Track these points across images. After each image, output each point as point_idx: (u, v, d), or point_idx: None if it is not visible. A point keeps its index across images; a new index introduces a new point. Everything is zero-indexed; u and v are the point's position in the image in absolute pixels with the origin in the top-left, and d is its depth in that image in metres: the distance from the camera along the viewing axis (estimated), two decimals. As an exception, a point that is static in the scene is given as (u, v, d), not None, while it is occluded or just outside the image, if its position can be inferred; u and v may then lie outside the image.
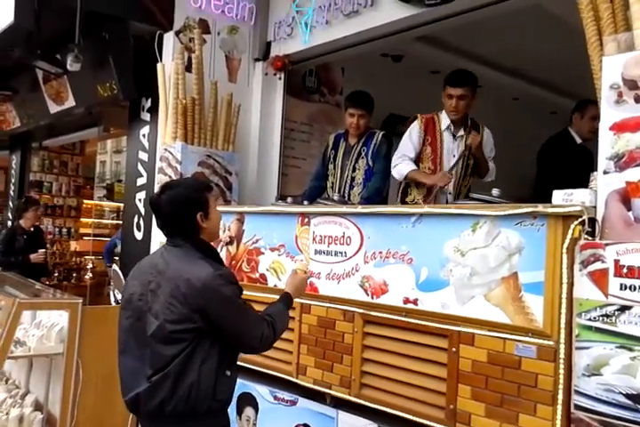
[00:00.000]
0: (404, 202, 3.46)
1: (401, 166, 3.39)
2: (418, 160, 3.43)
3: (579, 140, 3.76)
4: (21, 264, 5.25)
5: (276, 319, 2.08)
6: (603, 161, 1.94)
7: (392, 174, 3.47)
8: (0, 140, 7.63)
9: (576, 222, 1.91)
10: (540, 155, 3.86)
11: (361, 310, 2.53)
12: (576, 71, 3.20)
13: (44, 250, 5.54)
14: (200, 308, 1.90)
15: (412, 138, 3.44)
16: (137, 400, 1.96)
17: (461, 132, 3.42)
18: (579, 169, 3.50)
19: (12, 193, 7.49)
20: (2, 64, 5.28)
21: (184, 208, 2.04)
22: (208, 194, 2.11)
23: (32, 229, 5.74)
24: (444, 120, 3.41)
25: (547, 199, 2.13)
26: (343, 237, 2.64)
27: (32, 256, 5.37)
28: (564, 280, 1.91)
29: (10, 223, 7.26)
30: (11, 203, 7.45)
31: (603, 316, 1.82)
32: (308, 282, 2.75)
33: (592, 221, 1.93)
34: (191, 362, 1.91)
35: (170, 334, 1.91)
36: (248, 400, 2.98)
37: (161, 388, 1.90)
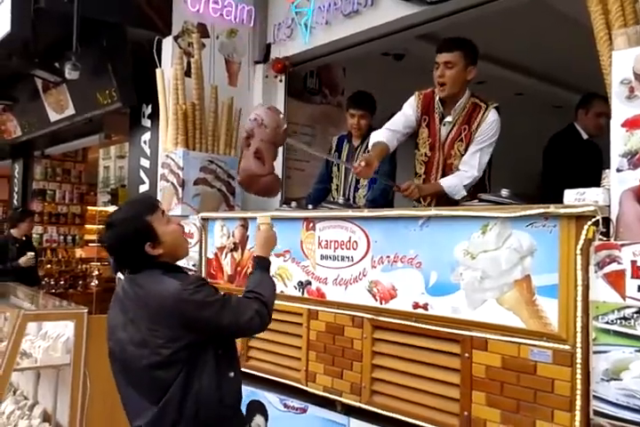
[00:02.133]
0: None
1: (373, 134, 3.00)
2: (417, 143, 3.03)
3: (585, 136, 3.70)
4: (14, 272, 5.31)
5: (259, 291, 2.00)
6: (615, 158, 1.88)
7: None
8: (2, 150, 7.63)
9: (590, 223, 1.85)
10: (545, 151, 3.80)
11: (370, 316, 2.47)
12: (582, 66, 3.15)
13: (32, 253, 5.58)
14: (182, 323, 1.83)
15: (404, 112, 3.02)
16: None
17: (449, 118, 2.91)
18: (586, 165, 3.47)
19: (15, 202, 7.49)
20: (1, 73, 5.26)
21: (127, 245, 1.90)
22: (150, 217, 1.91)
23: (24, 238, 5.87)
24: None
25: (554, 197, 2.07)
26: (349, 241, 2.59)
27: (22, 260, 5.43)
28: (579, 283, 1.85)
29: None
30: (14, 212, 7.45)
31: (620, 319, 1.77)
32: (315, 288, 2.72)
33: (606, 220, 1.87)
34: (191, 378, 1.84)
35: (167, 358, 1.83)
36: (258, 408, 2.93)
37: (167, 412, 1.83)
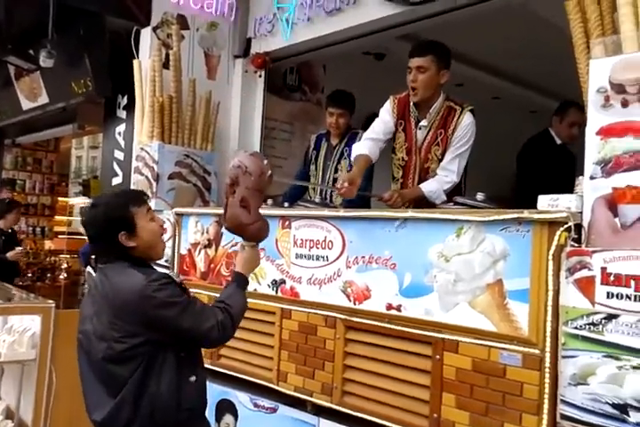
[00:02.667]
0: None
1: (355, 146, 2.97)
2: (393, 147, 3.02)
3: (559, 141, 3.75)
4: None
5: (230, 303, 1.96)
6: (589, 166, 1.91)
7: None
8: (-30, 137, 7.44)
9: (562, 229, 1.87)
10: (519, 156, 3.84)
11: (343, 316, 2.47)
12: (560, 72, 3.19)
13: (21, 248, 5.59)
14: (142, 320, 1.81)
15: (382, 118, 3.00)
16: (102, 424, 1.87)
17: (425, 122, 2.90)
18: (559, 170, 3.53)
19: (-17, 191, 7.31)
20: (-29, 59, 5.11)
21: (104, 229, 1.90)
22: (134, 209, 1.91)
23: (9, 230, 5.79)
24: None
25: (527, 201, 2.09)
26: (325, 241, 2.58)
27: (10, 254, 5.37)
28: (550, 288, 1.88)
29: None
30: (-18, 201, 7.27)
31: (589, 324, 1.79)
32: (289, 287, 2.71)
33: (578, 227, 1.89)
34: (148, 377, 1.82)
35: (121, 354, 1.81)
36: (227, 407, 2.91)
37: (123, 409, 1.82)
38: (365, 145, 2.93)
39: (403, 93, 2.98)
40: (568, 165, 3.66)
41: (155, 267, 2.06)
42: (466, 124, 2.85)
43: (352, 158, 2.96)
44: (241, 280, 2.09)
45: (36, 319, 3.21)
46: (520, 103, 6.16)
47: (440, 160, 2.90)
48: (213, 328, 1.87)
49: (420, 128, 2.92)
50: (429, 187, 2.86)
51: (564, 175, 3.59)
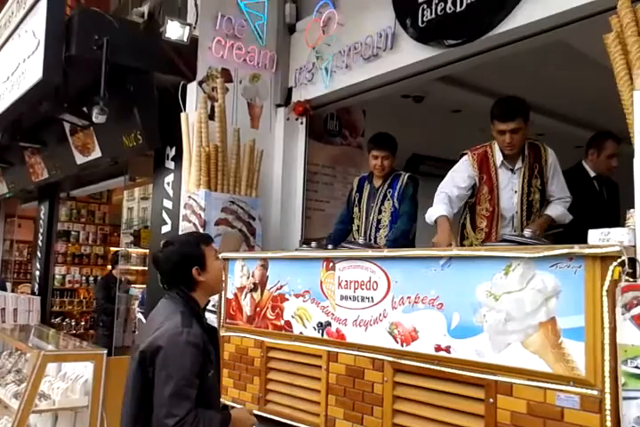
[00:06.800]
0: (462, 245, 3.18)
1: (432, 210, 3.06)
2: (475, 202, 3.12)
3: (592, 174, 3.67)
4: None
5: (206, 421, 1.90)
6: (640, 198, 1.86)
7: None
8: (29, 192, 7.79)
9: (615, 263, 1.81)
10: None
11: (390, 359, 2.42)
12: (603, 106, 3.15)
13: None
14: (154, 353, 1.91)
15: (460, 174, 3.10)
16: None
17: (519, 164, 3.05)
18: (596, 203, 3.50)
19: (39, 243, 7.58)
20: (31, 118, 5.42)
21: (179, 264, 2.09)
22: (205, 247, 2.15)
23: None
24: (498, 154, 3.07)
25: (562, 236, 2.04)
26: (369, 281, 2.56)
27: None
28: (606, 325, 1.80)
29: (37, 273, 7.36)
30: (39, 253, 7.54)
31: (651, 363, 1.70)
32: (335, 329, 2.68)
33: (632, 261, 1.83)
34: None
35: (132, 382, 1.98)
36: (276, 455, 2.85)
37: None
38: (443, 206, 3.04)
39: (479, 148, 3.13)
40: (611, 196, 3.62)
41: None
42: (552, 154, 3.10)
43: (430, 219, 3.06)
44: (228, 420, 2.04)
45: (89, 366, 3.26)
46: (565, 139, 6.09)
47: (541, 190, 3.05)
48: (174, 418, 1.83)
49: (514, 172, 3.06)
50: (556, 212, 3.05)
51: (608, 207, 3.53)
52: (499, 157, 3.06)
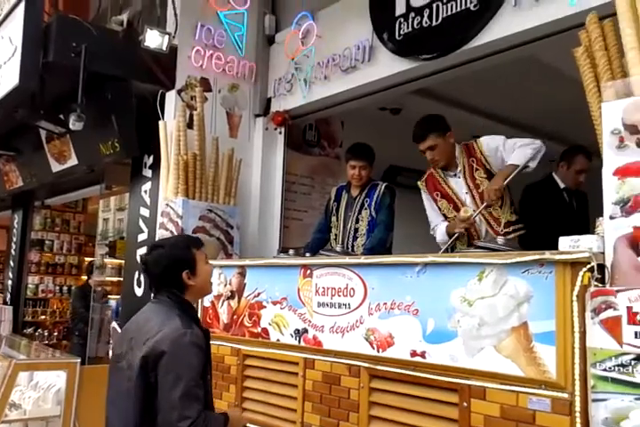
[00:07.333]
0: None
1: (438, 230, 3.29)
2: (443, 215, 3.31)
3: (562, 185, 3.77)
4: None
5: (213, 421, 1.92)
6: (608, 206, 1.92)
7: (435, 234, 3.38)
8: (2, 200, 7.67)
9: (585, 269, 1.86)
10: (523, 201, 3.78)
11: (367, 365, 2.44)
12: (574, 119, 3.24)
13: None
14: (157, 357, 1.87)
15: (432, 211, 3.34)
16: None
17: (459, 167, 3.22)
18: (566, 213, 3.60)
19: (12, 252, 7.45)
20: (6, 125, 5.36)
21: (169, 267, 2.07)
22: (196, 251, 2.12)
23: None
24: (439, 169, 3.28)
25: (532, 245, 2.08)
26: (346, 288, 2.59)
27: None
28: (576, 329, 1.85)
29: (10, 283, 7.23)
30: (12, 262, 7.41)
31: (618, 366, 1.75)
32: (312, 336, 2.70)
33: (601, 267, 1.88)
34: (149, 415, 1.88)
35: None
36: (251, 463, 2.84)
37: None
38: (442, 223, 3.27)
39: (425, 174, 3.36)
40: (580, 206, 3.73)
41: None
42: (485, 139, 3.19)
43: (445, 232, 3.22)
44: (226, 420, 2.03)
45: (62, 375, 3.22)
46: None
47: (487, 178, 3.12)
48: (186, 421, 1.81)
49: (457, 176, 3.22)
50: (514, 157, 3.02)
51: (578, 217, 3.63)
52: (441, 171, 3.27)
